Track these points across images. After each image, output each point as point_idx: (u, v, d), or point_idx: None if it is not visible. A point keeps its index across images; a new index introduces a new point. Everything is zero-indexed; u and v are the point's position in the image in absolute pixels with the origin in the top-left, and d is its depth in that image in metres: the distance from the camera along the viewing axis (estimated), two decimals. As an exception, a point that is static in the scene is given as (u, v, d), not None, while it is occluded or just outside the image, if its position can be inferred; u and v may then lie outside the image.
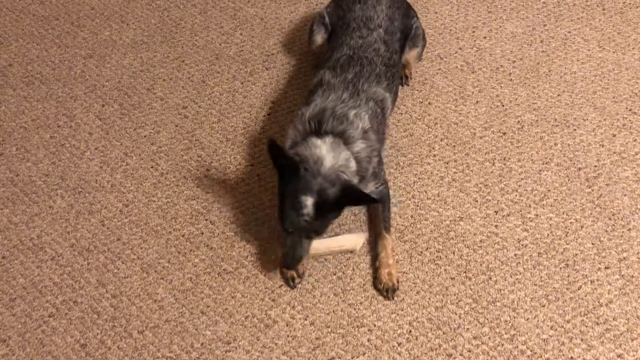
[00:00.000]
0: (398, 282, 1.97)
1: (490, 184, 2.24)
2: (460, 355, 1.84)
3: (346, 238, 2.02)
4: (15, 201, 2.25)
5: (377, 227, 2.07)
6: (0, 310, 1.97)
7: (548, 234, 2.10)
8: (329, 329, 1.91)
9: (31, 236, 2.15)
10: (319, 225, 1.85)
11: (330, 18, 2.45)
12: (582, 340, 1.86)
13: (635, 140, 2.37)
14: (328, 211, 1.84)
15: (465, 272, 2.02)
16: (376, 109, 2.06)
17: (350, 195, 1.83)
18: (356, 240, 2.02)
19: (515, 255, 2.05)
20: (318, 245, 1.95)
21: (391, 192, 2.15)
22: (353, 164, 1.90)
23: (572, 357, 1.84)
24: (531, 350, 1.85)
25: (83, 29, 2.89)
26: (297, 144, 1.93)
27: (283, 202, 1.84)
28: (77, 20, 2.93)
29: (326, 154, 1.86)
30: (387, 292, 1.94)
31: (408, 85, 2.56)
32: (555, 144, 2.36)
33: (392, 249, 2.02)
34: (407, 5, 2.47)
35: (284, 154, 1.83)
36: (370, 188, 2.02)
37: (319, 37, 2.47)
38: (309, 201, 1.79)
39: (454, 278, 2.00)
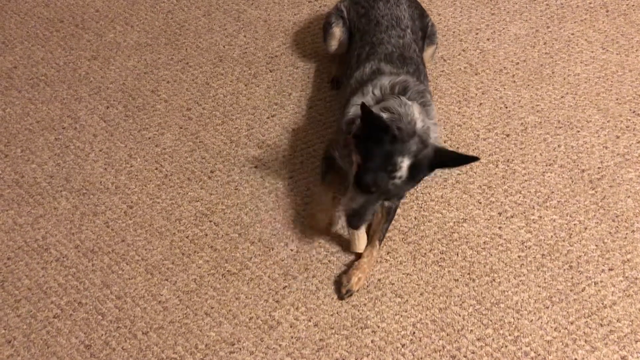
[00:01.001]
0: (359, 290, 1.97)
1: (493, 186, 2.25)
2: (464, 356, 1.84)
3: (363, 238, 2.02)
4: (20, 203, 2.26)
5: (373, 236, 2.05)
6: (6, 311, 1.97)
7: (552, 236, 2.10)
8: (333, 330, 1.91)
9: (36, 237, 2.16)
10: (408, 188, 1.80)
11: (347, 11, 2.44)
12: (586, 341, 1.86)
13: (639, 142, 2.36)
14: (420, 173, 1.78)
15: (469, 273, 2.02)
16: (434, 108, 2.06)
17: (444, 157, 1.77)
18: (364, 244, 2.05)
19: (519, 256, 2.05)
20: None
21: None
22: (433, 135, 1.86)
23: (575, 359, 1.83)
24: (535, 352, 1.84)
25: (87, 31, 2.90)
26: (381, 101, 1.87)
27: (370, 162, 1.74)
28: (82, 22, 2.95)
29: (418, 115, 1.80)
30: (346, 292, 1.95)
31: None
32: (559, 146, 2.36)
33: (375, 260, 2.02)
34: (420, 4, 2.50)
35: (374, 114, 1.71)
36: None
37: (337, 30, 2.43)
38: (404, 163, 1.72)
39: (457, 279, 2.00)
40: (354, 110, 1.98)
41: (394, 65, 2.11)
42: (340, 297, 1.96)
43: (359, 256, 2.04)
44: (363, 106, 1.68)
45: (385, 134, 1.70)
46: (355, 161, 1.82)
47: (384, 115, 1.78)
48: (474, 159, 1.76)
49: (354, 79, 2.16)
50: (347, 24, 2.43)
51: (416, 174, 1.76)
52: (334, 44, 2.47)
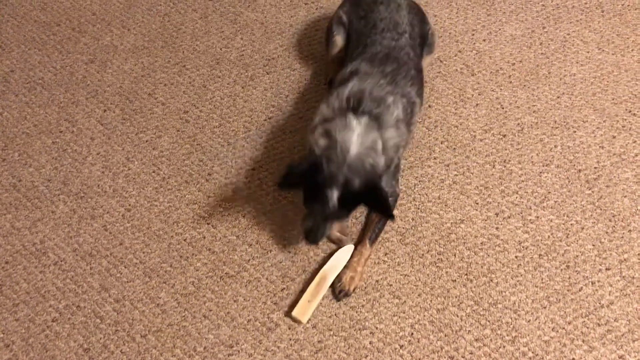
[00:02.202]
0: (354, 290, 1.98)
1: (490, 186, 2.25)
2: (462, 357, 1.85)
3: (316, 300, 1.97)
4: (18, 206, 2.26)
5: (364, 234, 2.06)
6: (4, 315, 1.97)
7: (549, 236, 2.11)
8: (331, 332, 1.91)
9: (34, 241, 2.16)
10: (344, 213, 1.87)
11: (347, 17, 2.44)
12: (583, 341, 1.87)
13: (635, 141, 2.37)
14: (352, 203, 1.85)
15: (466, 274, 2.02)
16: (407, 108, 2.05)
17: (372, 196, 1.81)
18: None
19: (516, 257, 2.06)
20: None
21: None
22: (380, 147, 1.89)
23: (573, 359, 1.84)
24: (533, 352, 1.85)
25: (84, 34, 2.90)
26: (330, 120, 1.91)
27: (307, 191, 1.85)
28: (79, 25, 2.95)
29: (356, 139, 1.83)
30: (339, 292, 1.96)
31: None
32: (555, 146, 2.37)
33: (367, 259, 2.02)
34: (421, 11, 2.49)
35: (296, 169, 1.82)
36: (388, 185, 2.03)
37: (339, 39, 2.44)
38: (334, 194, 1.79)
39: (455, 280, 2.01)
40: (317, 119, 2.00)
41: (372, 64, 2.11)
42: (336, 298, 1.96)
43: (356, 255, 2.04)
44: (284, 179, 1.82)
45: (317, 166, 1.80)
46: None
47: (321, 141, 1.86)
48: (391, 217, 1.81)
49: (336, 81, 2.18)
50: (346, 27, 2.44)
51: (348, 205, 1.84)
52: (335, 51, 2.49)
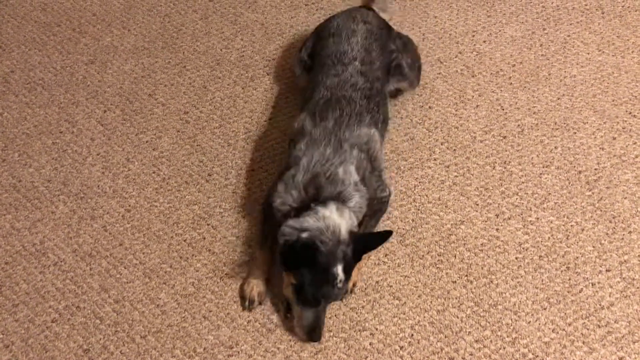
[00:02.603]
0: (354, 286, 1.98)
1: (490, 188, 2.25)
2: (462, 358, 1.85)
3: None
4: (18, 207, 2.26)
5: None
6: (4, 316, 1.97)
7: (549, 237, 2.11)
8: (331, 333, 1.91)
9: (34, 242, 2.16)
10: (346, 285, 1.87)
11: (308, 56, 2.43)
12: (583, 343, 1.87)
13: (635, 143, 2.37)
14: (352, 267, 1.86)
15: (466, 275, 2.02)
16: (360, 156, 2.02)
17: (363, 243, 1.86)
18: None
19: (516, 258, 2.06)
20: None
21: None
22: (354, 219, 1.91)
23: (573, 360, 1.84)
24: (533, 354, 1.85)
25: (85, 35, 2.91)
26: (301, 213, 1.88)
27: (309, 279, 1.78)
28: (79, 26, 2.95)
29: (339, 220, 1.84)
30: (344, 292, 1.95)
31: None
32: (556, 148, 2.37)
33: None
34: (386, 36, 2.40)
35: (295, 251, 1.79)
36: (371, 188, 2.04)
37: (302, 80, 2.46)
38: (339, 269, 1.79)
39: (455, 281, 2.01)
40: (278, 202, 1.97)
41: (314, 120, 2.08)
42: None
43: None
44: (282, 252, 1.81)
45: (314, 253, 1.77)
46: (289, 280, 1.84)
47: (304, 235, 1.80)
48: (388, 234, 1.86)
49: (290, 133, 2.19)
50: (308, 67, 2.43)
51: (349, 270, 1.84)
52: (302, 85, 2.49)
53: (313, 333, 1.83)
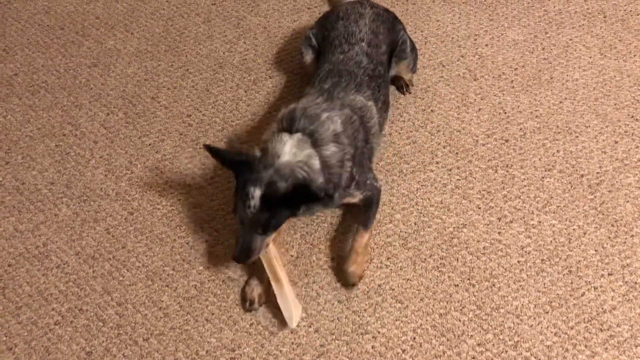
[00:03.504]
0: (360, 278, 1.98)
1: (493, 191, 2.25)
2: (465, 362, 1.85)
3: (288, 299, 1.90)
4: (21, 209, 2.27)
5: (356, 227, 2.05)
6: (7, 318, 1.98)
7: (551, 241, 2.11)
8: (334, 336, 1.91)
9: (37, 244, 2.16)
10: (266, 219, 1.80)
11: (316, 39, 2.46)
12: (585, 346, 1.87)
13: (638, 146, 2.37)
14: (276, 206, 1.79)
15: (468, 279, 2.02)
16: (351, 116, 2.01)
17: (300, 193, 1.79)
18: (293, 310, 1.89)
19: (518, 262, 2.06)
20: (267, 256, 1.92)
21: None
22: (317, 164, 1.86)
23: (576, 364, 1.84)
24: (535, 357, 1.85)
25: (88, 38, 2.91)
26: (267, 141, 1.91)
27: (236, 193, 1.83)
28: (82, 29, 2.96)
29: (288, 150, 1.82)
30: (352, 285, 1.98)
31: (410, 92, 2.57)
32: (558, 151, 2.37)
33: (365, 244, 2.02)
34: (393, 18, 2.47)
35: (226, 152, 1.86)
36: (356, 196, 2.02)
37: (308, 58, 2.49)
38: (256, 193, 1.76)
39: (457, 285, 2.01)
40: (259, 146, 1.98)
41: (313, 86, 2.13)
42: (347, 288, 1.98)
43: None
44: (210, 148, 1.84)
45: (248, 166, 1.80)
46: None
47: (256, 153, 1.86)
48: (324, 198, 1.82)
49: None
50: (316, 49, 2.46)
51: (271, 206, 1.78)
52: (307, 68, 2.53)
53: (240, 253, 1.84)
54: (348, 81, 2.12)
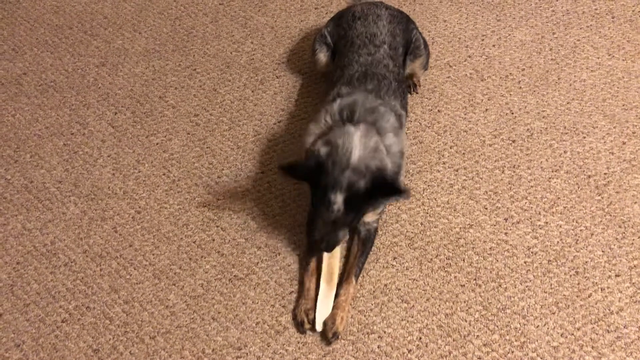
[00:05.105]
0: (344, 329, 1.90)
1: (499, 192, 2.25)
2: (471, 362, 1.85)
3: (330, 305, 1.92)
4: (30, 208, 2.28)
5: (349, 271, 1.99)
6: (15, 316, 1.99)
7: (558, 242, 2.10)
8: (339, 336, 1.91)
9: (45, 242, 2.18)
10: (352, 218, 1.81)
11: (331, 37, 2.46)
12: (592, 348, 1.86)
13: (646, 148, 2.37)
14: (360, 205, 1.80)
15: (475, 279, 2.02)
16: (397, 119, 2.03)
17: (381, 186, 1.77)
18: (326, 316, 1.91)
19: (525, 262, 2.06)
20: (334, 253, 1.96)
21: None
22: (384, 150, 1.85)
23: (582, 365, 1.83)
24: (541, 358, 1.84)
25: (96, 37, 2.93)
26: (326, 133, 1.88)
27: (314, 197, 1.80)
28: (90, 29, 2.97)
29: (357, 141, 1.80)
30: (332, 335, 1.86)
31: (417, 92, 2.57)
32: (565, 152, 2.36)
33: (352, 296, 1.95)
34: (406, 19, 2.48)
35: (300, 165, 1.80)
36: (382, 211, 2.02)
37: (322, 56, 2.48)
38: (338, 198, 1.75)
39: (463, 285, 2.01)
40: (311, 139, 1.97)
41: (351, 86, 2.10)
42: (328, 342, 1.87)
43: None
44: (284, 168, 1.79)
45: (321, 169, 1.77)
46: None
47: (323, 149, 1.82)
48: (406, 196, 1.76)
49: (322, 105, 2.17)
50: (332, 47, 2.46)
51: (355, 206, 1.78)
52: (320, 67, 2.53)
53: (319, 244, 1.84)
54: (387, 85, 2.11)
